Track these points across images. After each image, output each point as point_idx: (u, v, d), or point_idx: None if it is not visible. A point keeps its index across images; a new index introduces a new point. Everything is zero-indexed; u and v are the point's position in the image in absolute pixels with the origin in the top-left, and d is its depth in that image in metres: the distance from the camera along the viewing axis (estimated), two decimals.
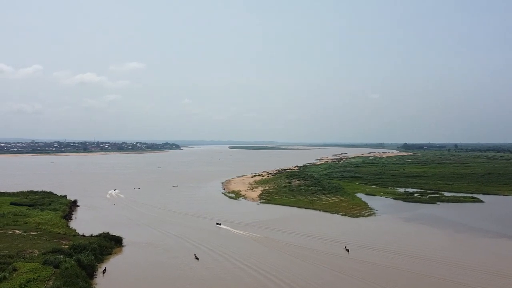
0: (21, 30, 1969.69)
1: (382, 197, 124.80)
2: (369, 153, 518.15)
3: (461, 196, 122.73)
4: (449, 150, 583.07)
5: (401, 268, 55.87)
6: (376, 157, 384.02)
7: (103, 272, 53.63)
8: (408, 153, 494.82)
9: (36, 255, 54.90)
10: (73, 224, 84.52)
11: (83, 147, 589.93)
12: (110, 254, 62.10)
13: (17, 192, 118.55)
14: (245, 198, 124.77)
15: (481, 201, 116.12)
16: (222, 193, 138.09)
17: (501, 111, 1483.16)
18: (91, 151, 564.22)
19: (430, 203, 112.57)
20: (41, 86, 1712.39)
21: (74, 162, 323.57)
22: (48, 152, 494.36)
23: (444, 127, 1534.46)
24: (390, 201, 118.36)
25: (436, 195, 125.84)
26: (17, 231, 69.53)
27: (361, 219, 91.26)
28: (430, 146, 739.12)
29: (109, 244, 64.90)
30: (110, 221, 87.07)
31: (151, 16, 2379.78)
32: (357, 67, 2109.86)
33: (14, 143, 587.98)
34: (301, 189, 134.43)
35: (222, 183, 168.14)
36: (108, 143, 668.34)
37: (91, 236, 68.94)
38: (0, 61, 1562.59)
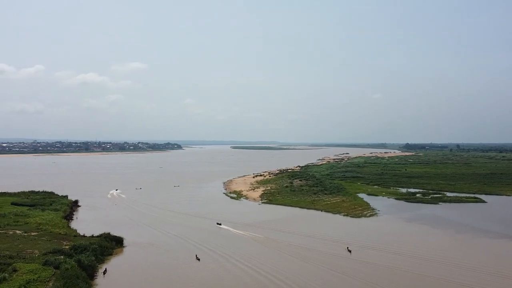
0: (23, 30, 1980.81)
1: (384, 197, 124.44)
2: (371, 153, 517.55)
3: (463, 197, 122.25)
4: (451, 150, 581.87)
5: (402, 268, 55.61)
6: (378, 157, 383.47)
7: (104, 273, 53.51)
8: (410, 153, 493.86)
9: (36, 255, 54.75)
10: (74, 225, 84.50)
11: (85, 147, 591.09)
12: (111, 254, 62.00)
13: (18, 192, 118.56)
14: (246, 198, 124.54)
15: (484, 202, 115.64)
16: (224, 193, 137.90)
17: (503, 111, 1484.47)
18: (93, 151, 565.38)
19: (432, 204, 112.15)
20: (42, 86, 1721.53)
21: (75, 162, 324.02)
22: (50, 152, 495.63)
23: (446, 127, 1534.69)
24: (392, 201, 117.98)
25: (438, 195, 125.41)
26: (17, 232, 69.48)
27: (363, 219, 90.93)
28: (432, 146, 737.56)
29: (110, 244, 64.80)
30: (111, 222, 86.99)
31: (152, 16, 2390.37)
32: (357, 67, 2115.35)
33: (16, 143, 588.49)
34: (302, 189, 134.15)
35: (224, 183, 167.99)
36: (110, 143, 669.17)
37: (92, 236, 68.82)
38: (2, 61, 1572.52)
